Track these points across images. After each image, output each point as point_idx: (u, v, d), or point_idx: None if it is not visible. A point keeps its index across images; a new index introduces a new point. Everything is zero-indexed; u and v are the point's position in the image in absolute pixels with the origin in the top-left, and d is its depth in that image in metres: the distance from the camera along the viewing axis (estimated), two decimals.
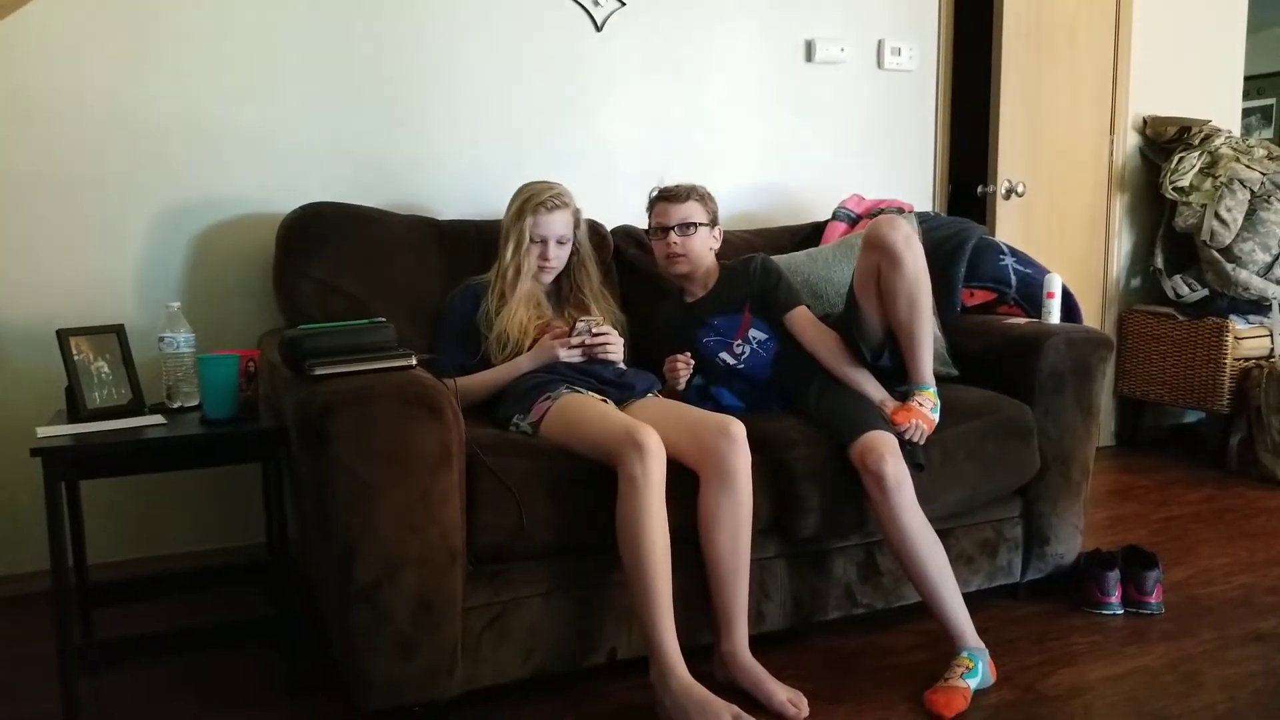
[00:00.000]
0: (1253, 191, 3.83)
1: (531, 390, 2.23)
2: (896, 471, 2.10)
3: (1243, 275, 3.83)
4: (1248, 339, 3.88)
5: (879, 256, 2.21)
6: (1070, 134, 3.97)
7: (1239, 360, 3.86)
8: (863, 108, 3.60)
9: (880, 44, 3.59)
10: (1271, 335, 3.90)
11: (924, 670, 2.14)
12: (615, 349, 2.35)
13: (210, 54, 2.68)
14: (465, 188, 2.96)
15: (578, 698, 2.05)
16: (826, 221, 3.19)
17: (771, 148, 3.45)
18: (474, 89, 2.98)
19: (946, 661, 2.09)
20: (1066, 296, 2.82)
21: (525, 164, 2.95)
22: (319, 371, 1.86)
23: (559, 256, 2.48)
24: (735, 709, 1.88)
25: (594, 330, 2.32)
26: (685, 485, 2.03)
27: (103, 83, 2.59)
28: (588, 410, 2.11)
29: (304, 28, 2.76)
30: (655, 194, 2.62)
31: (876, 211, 3.07)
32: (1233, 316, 3.88)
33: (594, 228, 2.80)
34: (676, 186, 2.59)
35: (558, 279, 2.54)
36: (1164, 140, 4.10)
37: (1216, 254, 3.86)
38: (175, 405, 2.21)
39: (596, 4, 3.12)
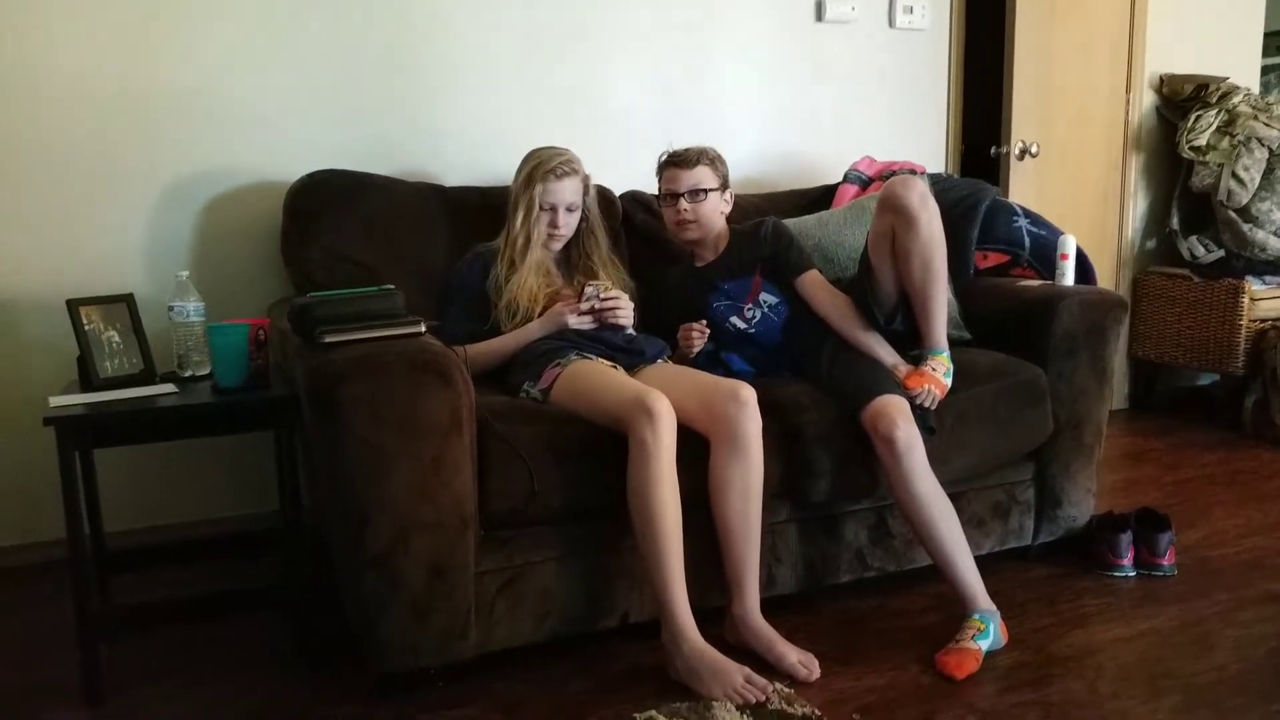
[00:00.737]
0: (1271, 150, 3.78)
1: (541, 357, 2.22)
2: (908, 435, 2.09)
3: (1260, 235, 3.79)
4: (1264, 300, 3.85)
5: (893, 217, 2.18)
6: (1085, 93, 3.91)
7: (1255, 322, 3.83)
8: (874, 68, 3.55)
9: (892, 2, 3.54)
10: None
11: (935, 632, 2.15)
12: (625, 312, 2.34)
13: (216, 24, 2.66)
14: (471, 154, 2.94)
15: (590, 660, 2.07)
16: (838, 184, 3.16)
17: (781, 109, 3.42)
18: (480, 53, 2.95)
19: (958, 624, 2.10)
20: (1080, 258, 2.80)
21: (532, 129, 2.93)
22: (329, 339, 1.86)
23: (569, 224, 2.46)
24: (747, 670, 1.90)
25: (602, 295, 2.31)
26: (696, 450, 2.03)
27: (109, 55, 2.57)
28: (597, 376, 2.10)
29: None
30: (664, 158, 2.58)
31: (888, 174, 3.05)
32: (1249, 277, 3.84)
33: (602, 193, 2.77)
34: (686, 151, 2.55)
35: (567, 246, 2.52)
36: (1181, 99, 4.04)
37: (1233, 214, 3.81)
38: (186, 374, 2.21)
39: None
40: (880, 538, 2.35)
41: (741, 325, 2.45)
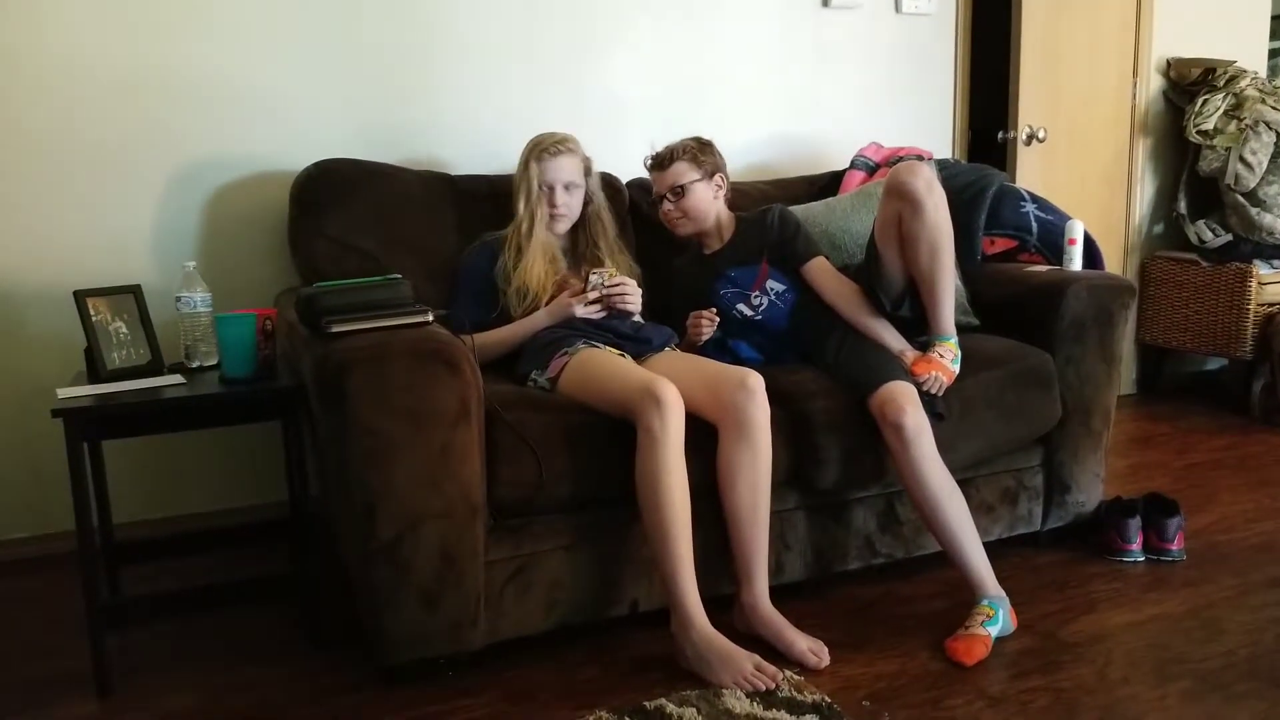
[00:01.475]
0: (1278, 134, 3.76)
1: (549, 346, 2.22)
2: (916, 421, 2.08)
3: (1267, 219, 3.77)
4: (1272, 284, 3.83)
5: (900, 203, 2.18)
6: (1092, 78, 3.89)
7: (1262, 306, 3.81)
8: (881, 53, 3.54)
9: None
10: None
11: (944, 619, 2.15)
12: (633, 298, 2.33)
13: (223, 13, 2.65)
14: (478, 142, 2.93)
15: (600, 649, 2.07)
16: (844, 170, 3.15)
17: (787, 96, 3.40)
18: (486, 43, 2.94)
19: (967, 610, 2.10)
20: (1088, 243, 2.79)
21: (538, 118, 2.92)
22: (336, 329, 1.86)
23: (567, 203, 2.46)
24: (756, 658, 1.90)
25: (608, 282, 2.30)
26: (704, 438, 2.03)
27: (115, 44, 2.56)
28: (605, 365, 2.10)
29: None
30: (646, 163, 2.60)
31: (895, 159, 3.03)
32: (1257, 261, 3.82)
33: (608, 181, 2.77)
34: (660, 152, 2.56)
35: (574, 233, 2.52)
36: (1188, 82, 4.01)
37: (1241, 198, 3.79)
38: (194, 365, 2.21)
39: None
40: (889, 524, 2.35)
41: (749, 312, 2.44)
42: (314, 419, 2.03)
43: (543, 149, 2.44)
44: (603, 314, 2.31)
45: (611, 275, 2.32)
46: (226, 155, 2.70)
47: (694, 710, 1.79)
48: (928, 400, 2.17)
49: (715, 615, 1.97)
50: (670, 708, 1.80)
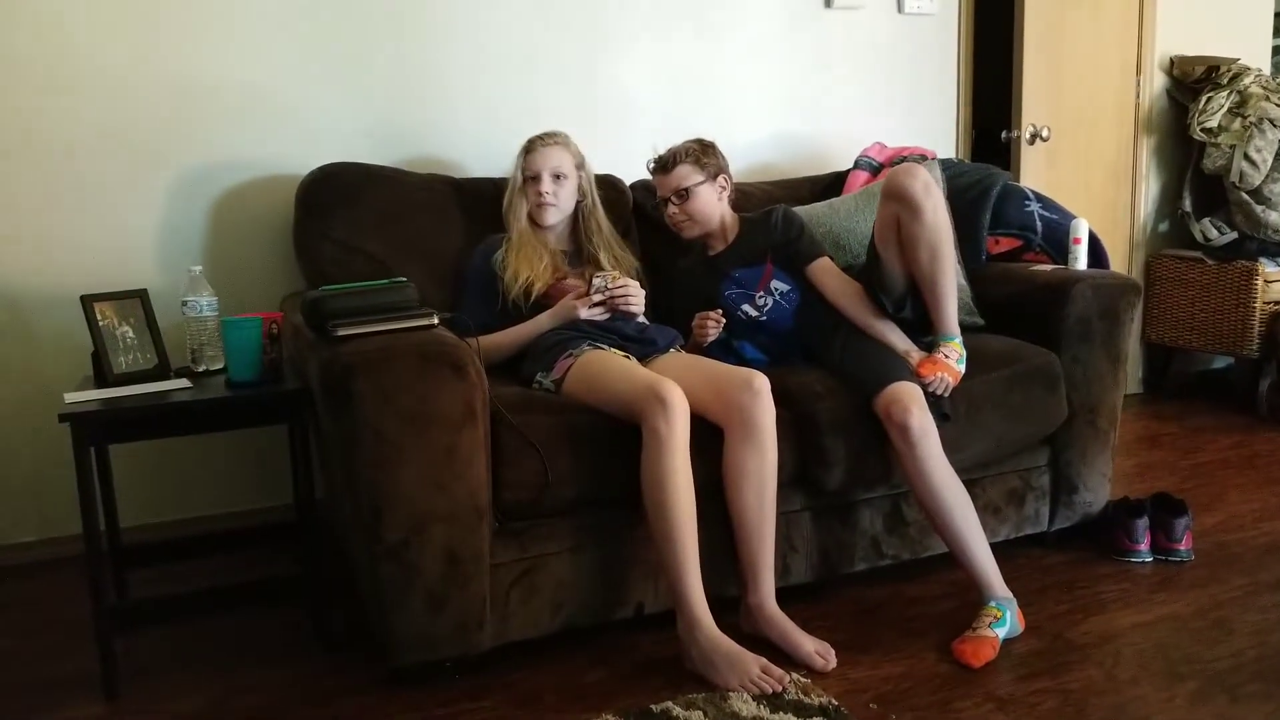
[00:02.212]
0: None
1: (554, 347, 2.22)
2: (922, 422, 2.08)
3: (1273, 217, 3.76)
4: (1277, 282, 3.82)
5: (898, 206, 2.18)
6: (1096, 76, 3.88)
7: (1269, 304, 3.80)
8: (884, 53, 3.53)
9: None
10: None
11: (951, 620, 2.14)
12: (636, 300, 2.33)
13: (228, 17, 2.65)
14: (484, 145, 2.93)
15: (606, 651, 2.07)
16: (848, 171, 3.14)
17: (791, 97, 3.40)
18: (492, 45, 2.94)
19: (974, 611, 2.09)
20: (1093, 242, 2.78)
21: (544, 121, 2.91)
22: (342, 332, 1.86)
23: (554, 192, 2.46)
24: (763, 660, 1.90)
25: (610, 284, 2.30)
26: (710, 440, 2.02)
27: (119, 48, 2.57)
28: (610, 367, 2.10)
29: None
30: (650, 166, 2.61)
31: (899, 159, 3.03)
32: (1262, 259, 3.82)
33: (612, 183, 2.77)
34: (662, 155, 2.57)
35: (573, 234, 2.52)
36: (1192, 80, 4.01)
37: (1246, 195, 3.78)
38: (200, 369, 2.21)
39: None
40: (895, 525, 2.35)
41: (753, 313, 2.44)
42: (320, 422, 2.03)
43: (530, 140, 2.50)
44: (606, 316, 2.31)
45: (615, 278, 2.32)
46: (232, 159, 2.71)
47: (700, 713, 1.78)
48: (933, 401, 2.17)
49: (721, 617, 1.97)
50: (676, 710, 1.80)
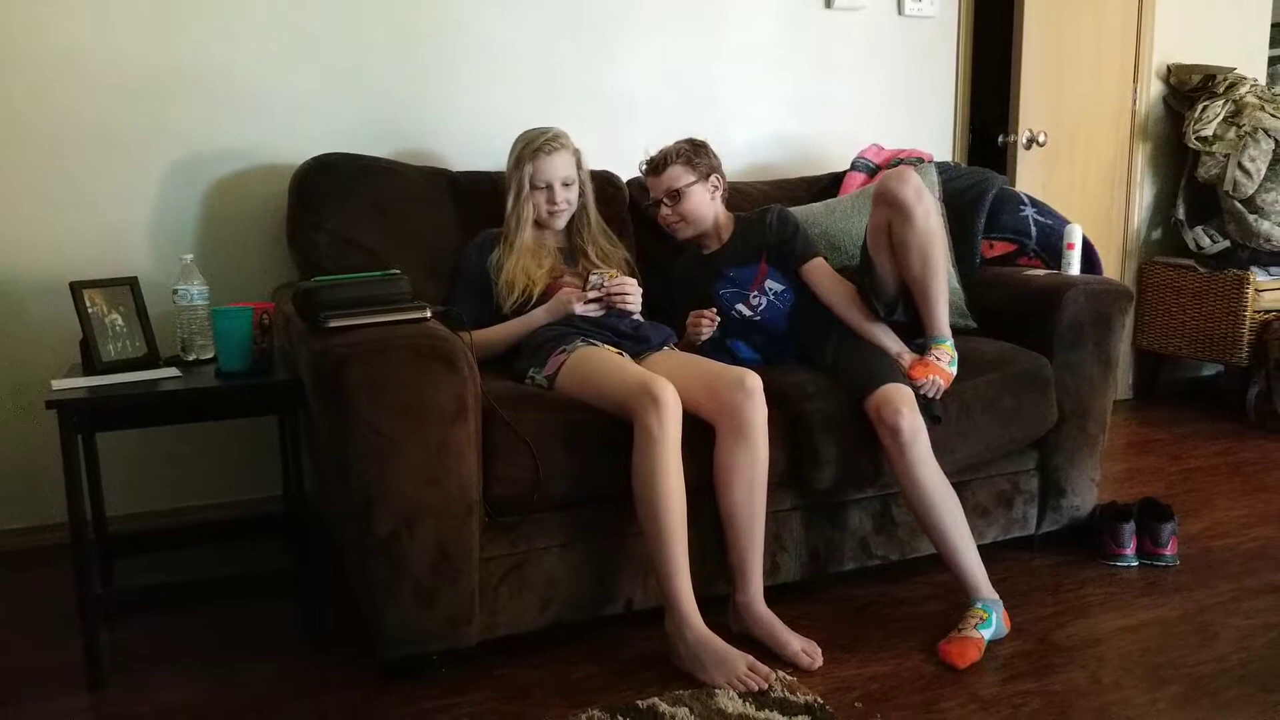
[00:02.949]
0: (1277, 141, 3.76)
1: (547, 343, 2.22)
2: (912, 424, 2.09)
3: (1265, 226, 3.77)
4: (1269, 291, 3.84)
5: (889, 211, 2.18)
6: (1093, 82, 3.89)
7: (1259, 313, 3.82)
8: (882, 56, 3.53)
9: None
10: None
11: (938, 621, 2.15)
12: (633, 298, 2.33)
13: (223, 6, 2.64)
14: (480, 139, 2.92)
15: (595, 647, 2.07)
16: (845, 172, 3.14)
17: (789, 97, 3.40)
18: (490, 40, 2.94)
19: (961, 613, 2.10)
20: (1087, 248, 2.79)
21: (541, 115, 2.90)
22: (334, 324, 1.85)
23: (567, 199, 2.45)
24: (750, 658, 1.90)
25: (608, 283, 2.30)
26: (701, 438, 2.02)
27: (114, 35, 2.55)
28: (603, 363, 2.10)
29: None
30: (641, 168, 2.61)
31: (896, 161, 3.03)
32: (1254, 268, 3.83)
33: (608, 179, 2.77)
34: (653, 156, 2.57)
35: (567, 230, 2.51)
36: (1188, 89, 4.02)
37: (1239, 205, 3.80)
38: (190, 358, 2.21)
39: None
40: (884, 526, 2.35)
41: (747, 313, 2.44)
42: (310, 414, 2.03)
43: (535, 147, 2.43)
44: (602, 312, 2.30)
45: (612, 276, 2.32)
46: (226, 148, 2.70)
47: (687, 710, 1.79)
48: (925, 402, 2.17)
49: (710, 614, 1.97)
50: (663, 707, 1.80)
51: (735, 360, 2.34)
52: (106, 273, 2.43)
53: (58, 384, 1.99)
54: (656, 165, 2.55)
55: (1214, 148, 3.84)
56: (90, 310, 2.12)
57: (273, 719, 1.84)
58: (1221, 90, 3.92)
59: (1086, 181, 3.96)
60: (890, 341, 2.32)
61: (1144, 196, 4.14)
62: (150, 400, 2.00)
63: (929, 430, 2.12)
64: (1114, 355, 2.53)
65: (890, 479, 2.20)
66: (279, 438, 2.16)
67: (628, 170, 2.83)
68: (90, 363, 2.11)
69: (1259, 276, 3.82)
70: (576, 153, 2.50)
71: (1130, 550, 2.48)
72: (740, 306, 2.45)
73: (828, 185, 3.13)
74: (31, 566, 2.54)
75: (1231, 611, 2.22)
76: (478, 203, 2.63)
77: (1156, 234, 4.22)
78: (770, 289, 2.45)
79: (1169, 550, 2.48)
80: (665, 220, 2.56)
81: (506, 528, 1.97)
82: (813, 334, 2.39)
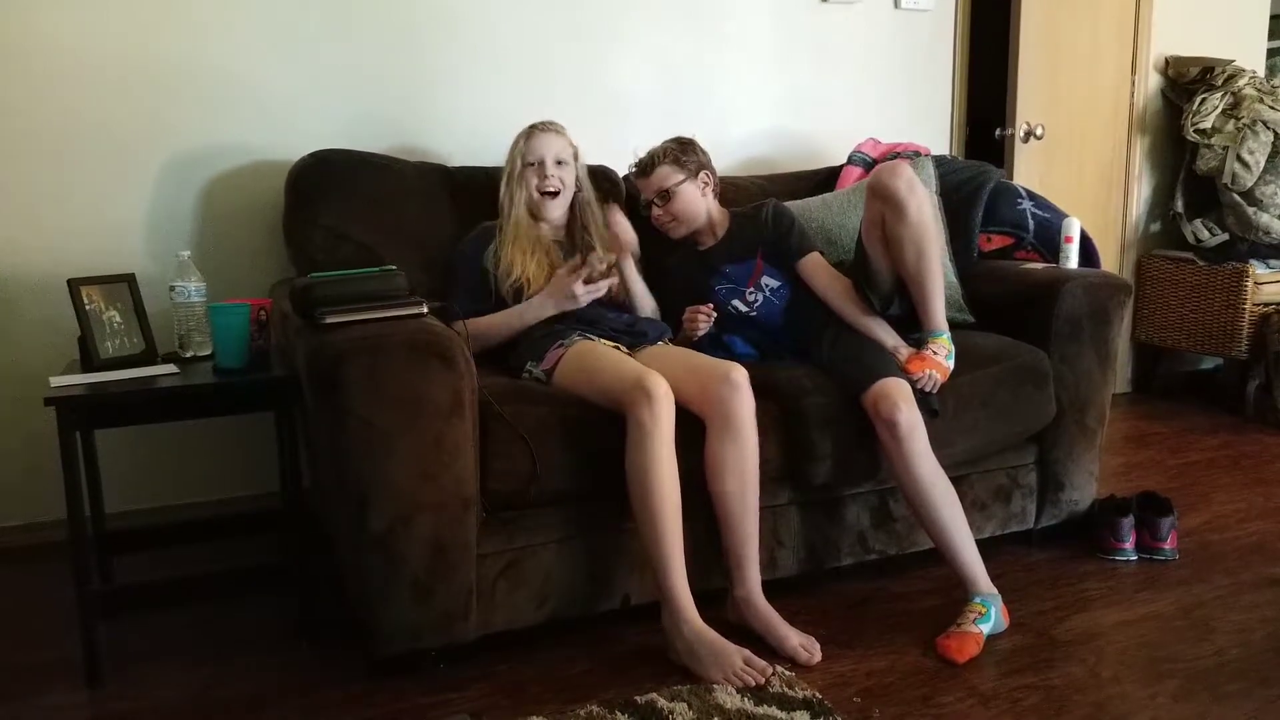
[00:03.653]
0: (1276, 133, 3.76)
1: (545, 338, 2.22)
2: (910, 418, 2.08)
3: (1264, 219, 3.77)
4: (1268, 284, 3.83)
5: (882, 205, 2.18)
6: (1091, 75, 3.88)
7: (1258, 305, 3.82)
8: (879, 49, 3.53)
9: None
10: None
11: (936, 616, 2.15)
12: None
13: (219, 3, 2.64)
14: (477, 136, 2.92)
15: (592, 643, 2.07)
16: (842, 166, 3.14)
17: (786, 91, 3.39)
18: (487, 35, 2.93)
19: (959, 607, 2.10)
20: (1085, 241, 2.78)
21: (538, 111, 2.90)
22: (330, 320, 1.85)
23: (559, 177, 2.43)
24: (747, 653, 1.90)
25: (603, 267, 2.29)
26: (696, 432, 2.02)
27: (111, 30, 2.55)
28: (599, 357, 2.10)
29: None
30: (630, 171, 2.61)
31: (892, 155, 3.03)
32: (1253, 261, 3.83)
33: (605, 174, 2.76)
34: (642, 158, 2.56)
35: (568, 225, 2.50)
36: (1186, 81, 4.01)
37: (1238, 197, 3.79)
38: (188, 355, 2.21)
39: None
40: (882, 521, 2.35)
41: (743, 308, 2.44)
42: (307, 410, 2.03)
43: (530, 126, 2.46)
44: (600, 293, 2.28)
45: (610, 261, 2.32)
46: (222, 145, 2.69)
47: (685, 705, 1.79)
48: (922, 397, 2.17)
49: (707, 610, 1.97)
50: (661, 702, 1.80)
51: (732, 355, 2.34)
52: (104, 269, 2.42)
53: (56, 381, 1.98)
54: (645, 167, 2.55)
55: (1212, 140, 3.84)
56: (88, 307, 2.12)
57: (270, 714, 1.84)
58: (1220, 83, 3.92)
59: (1084, 175, 3.95)
60: (886, 335, 2.31)
61: (1142, 189, 4.13)
62: (148, 397, 2.00)
63: (926, 424, 2.11)
64: (1112, 349, 2.53)
65: (887, 473, 2.20)
66: (276, 434, 2.15)
67: (624, 165, 2.83)
68: (88, 359, 2.10)
69: (1258, 269, 3.82)
70: (573, 143, 2.49)
71: (1129, 544, 2.48)
72: (736, 303, 2.44)
73: (824, 179, 3.13)
74: (31, 562, 2.54)
75: (1230, 605, 2.22)
76: (474, 197, 2.62)
77: (1155, 227, 4.22)
78: (766, 285, 2.44)
79: (1168, 544, 2.47)
80: (658, 220, 2.55)
81: (503, 523, 1.97)
82: (809, 329, 2.38)
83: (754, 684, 1.85)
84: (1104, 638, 2.08)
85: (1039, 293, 2.51)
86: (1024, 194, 2.92)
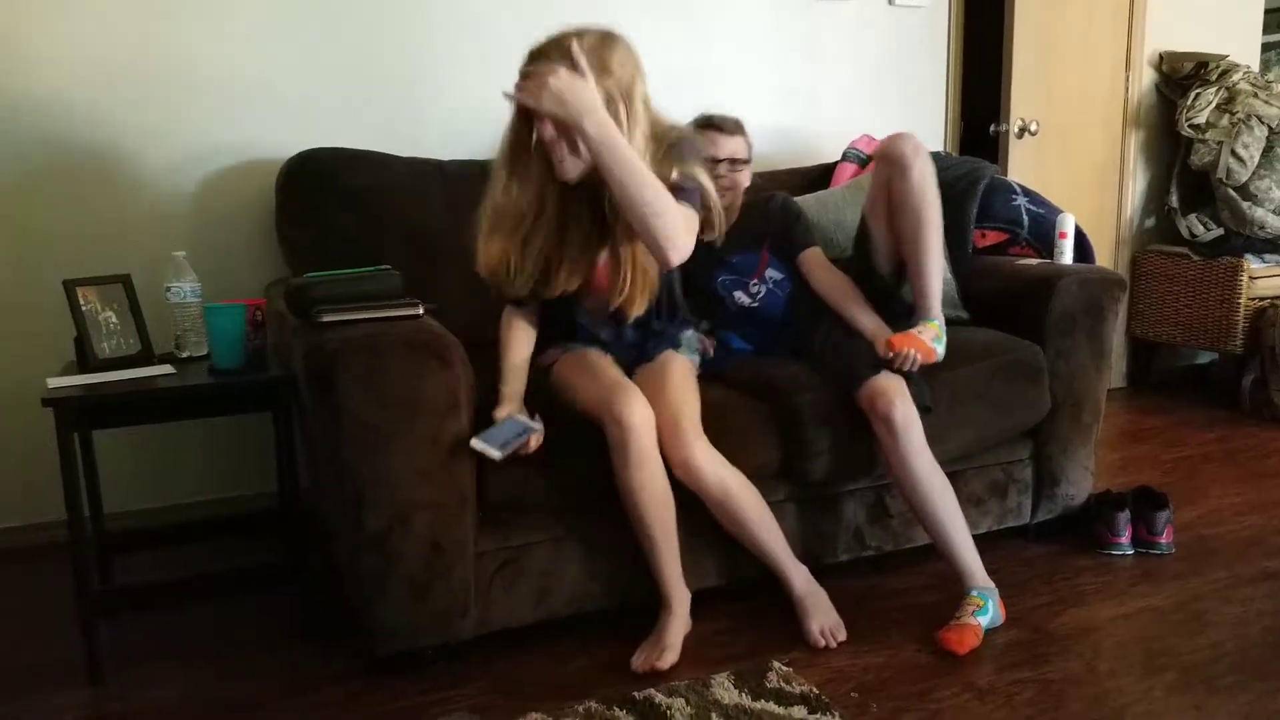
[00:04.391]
0: (1270, 128, 3.76)
1: (553, 341, 2.17)
2: (905, 414, 2.08)
3: (1259, 213, 3.78)
4: (1262, 278, 3.84)
5: (888, 168, 2.20)
6: (1085, 71, 3.89)
7: (1253, 300, 3.83)
8: (873, 46, 3.53)
9: None
10: None
11: (934, 611, 2.15)
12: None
13: (210, 2, 2.64)
14: (468, 130, 2.92)
15: (589, 641, 2.07)
16: (836, 163, 3.15)
17: (780, 89, 3.40)
18: (477, 30, 2.93)
19: (956, 603, 2.10)
20: (1079, 237, 2.79)
21: None
22: (327, 319, 1.86)
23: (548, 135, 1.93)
24: None
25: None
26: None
27: (103, 34, 2.55)
28: (585, 370, 2.03)
29: None
30: (702, 120, 2.49)
31: None
32: (1248, 256, 3.84)
33: None
34: (724, 117, 2.49)
35: (595, 198, 1.99)
36: (1180, 76, 4.02)
37: (1232, 192, 3.80)
38: (184, 355, 2.21)
39: None
40: (878, 517, 2.36)
41: (746, 301, 2.43)
42: (304, 409, 2.03)
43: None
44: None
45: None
46: (215, 143, 2.69)
47: (683, 700, 1.79)
48: (915, 391, 2.16)
49: (702, 608, 1.98)
50: (659, 698, 1.80)
51: (728, 352, 2.34)
52: (99, 270, 2.42)
53: (53, 382, 1.98)
54: (729, 125, 2.47)
55: (1207, 135, 3.85)
56: (84, 308, 2.12)
57: (270, 713, 1.84)
58: (1214, 78, 3.93)
59: (1079, 170, 3.96)
60: (869, 321, 2.29)
61: (1137, 185, 4.14)
62: (146, 398, 2.00)
63: (920, 420, 2.12)
64: (1107, 344, 2.53)
65: (883, 469, 2.21)
66: (274, 433, 2.16)
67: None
68: (85, 360, 2.11)
69: (1253, 264, 3.82)
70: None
71: (1125, 539, 2.48)
72: (739, 294, 2.44)
73: (819, 177, 3.13)
74: (30, 562, 2.55)
75: (1226, 599, 2.23)
76: (468, 190, 2.59)
77: (1150, 222, 4.23)
78: (770, 277, 2.44)
79: (1164, 538, 2.48)
80: (719, 182, 2.27)
81: (500, 522, 1.97)
82: (807, 324, 2.38)
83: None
84: (1100, 632, 2.09)
85: (1034, 288, 2.52)
86: (1018, 190, 2.92)
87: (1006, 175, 3.54)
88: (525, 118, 1.94)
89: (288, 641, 2.10)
